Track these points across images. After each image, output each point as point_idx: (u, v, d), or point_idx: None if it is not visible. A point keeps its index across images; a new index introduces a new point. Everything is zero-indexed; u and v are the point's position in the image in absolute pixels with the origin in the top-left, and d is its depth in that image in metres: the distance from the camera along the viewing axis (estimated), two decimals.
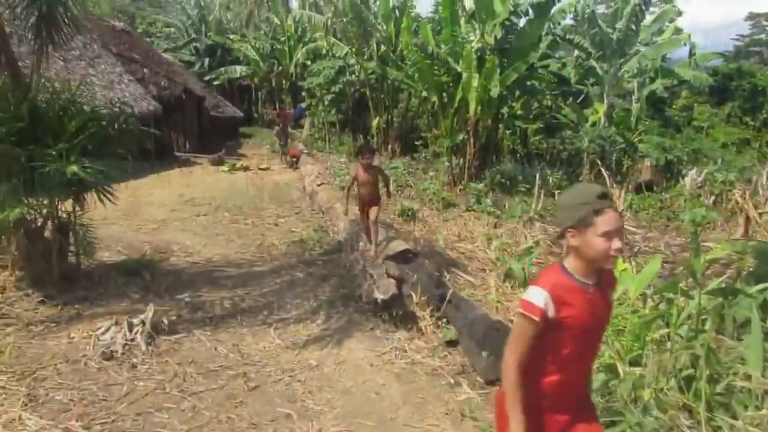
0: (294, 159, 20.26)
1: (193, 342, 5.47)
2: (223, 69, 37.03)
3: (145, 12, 52.53)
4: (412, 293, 6.34)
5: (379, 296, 5.93)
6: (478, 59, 14.58)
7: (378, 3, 22.99)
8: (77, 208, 6.49)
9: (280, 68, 36.12)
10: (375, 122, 24.22)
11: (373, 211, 7.48)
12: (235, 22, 45.89)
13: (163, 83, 22.18)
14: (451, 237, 9.85)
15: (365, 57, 23.06)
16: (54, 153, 5.74)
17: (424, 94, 17.79)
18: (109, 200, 6.61)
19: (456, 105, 15.39)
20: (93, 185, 6.21)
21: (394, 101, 25.03)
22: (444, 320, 5.99)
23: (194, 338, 5.53)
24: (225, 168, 18.95)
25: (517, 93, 17.35)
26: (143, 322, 5.36)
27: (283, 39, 35.75)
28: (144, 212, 10.89)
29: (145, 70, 22.05)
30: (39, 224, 6.24)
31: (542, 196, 12.73)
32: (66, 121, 6.02)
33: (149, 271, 7.22)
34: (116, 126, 6.71)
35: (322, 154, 23.11)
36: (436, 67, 15.39)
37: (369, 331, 5.96)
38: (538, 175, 13.39)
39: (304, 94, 34.76)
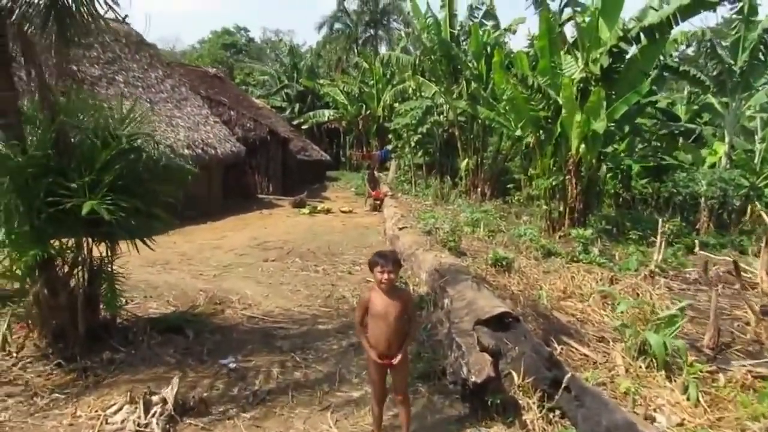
0: (378, 202, 19.24)
1: (227, 429, 4.21)
2: (311, 113, 37.30)
3: (244, 63, 54.71)
4: (513, 372, 4.79)
5: (470, 378, 4.45)
6: (581, 91, 13.00)
7: (468, 40, 21.96)
8: (110, 253, 5.50)
9: (368, 111, 35.89)
10: (464, 164, 22.88)
11: (397, 375, 4.03)
12: (324, 68, 46.68)
13: (248, 125, 22.07)
14: (555, 293, 8.17)
15: (454, 96, 21.96)
16: (76, 187, 4.80)
17: (519, 132, 16.37)
18: (146, 245, 5.59)
19: (554, 142, 13.80)
20: (126, 227, 5.20)
21: (484, 142, 23.64)
22: (559, 414, 4.40)
23: (228, 424, 4.27)
24: (306, 210, 18.20)
25: (626, 129, 15.43)
26: (164, 400, 4.18)
27: (371, 82, 35.64)
28: (210, 256, 10.03)
29: (232, 113, 22.06)
30: (65, 270, 5.30)
31: (662, 245, 10.78)
32: (97, 151, 5.07)
33: (194, 327, 6.12)
34: (157, 163, 5.65)
35: (407, 197, 21.99)
36: (533, 102, 13.92)
37: (455, 423, 4.48)
38: (660, 221, 11.42)
39: (390, 136, 34.36)
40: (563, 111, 13.06)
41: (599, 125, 12.78)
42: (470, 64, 21.33)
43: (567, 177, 13.60)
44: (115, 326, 5.76)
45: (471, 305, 5.72)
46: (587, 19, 13.47)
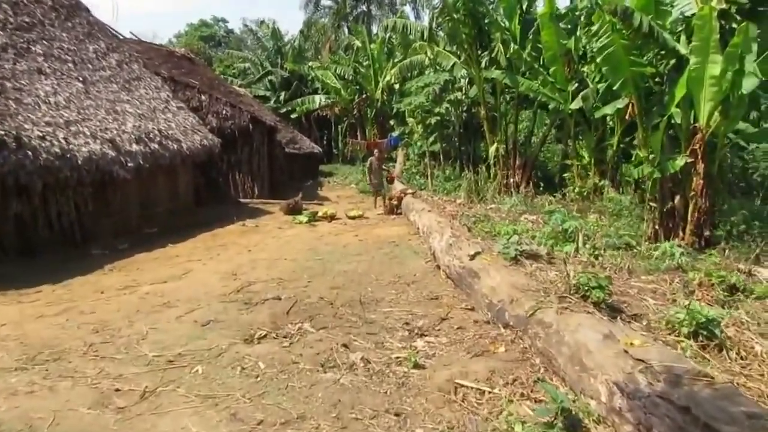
0: (395, 202, 14.83)
1: None
2: (299, 100, 32.70)
3: (223, 54, 49.87)
4: None
5: None
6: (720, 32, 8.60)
7: None
8: None
9: (365, 94, 31.34)
10: (492, 149, 18.48)
11: None
12: (312, 51, 41.95)
13: (225, 112, 17.54)
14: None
15: (482, 65, 17.50)
16: None
17: (599, 107, 12.00)
18: None
19: (669, 111, 9.42)
20: None
21: (516, 122, 19.24)
22: None
23: None
24: (303, 218, 13.73)
25: None
26: None
27: (366, 62, 31.09)
28: (148, 332, 5.53)
29: (203, 98, 17.50)
30: None
31: None
32: None
33: None
34: None
35: (425, 193, 17.58)
36: (634, 53, 9.52)
37: None
38: None
39: (392, 122, 29.88)
40: (692, 61, 8.66)
41: (749, 82, 8.43)
42: (503, 24, 16.92)
43: (691, 161, 9.20)
44: None
45: None
46: None
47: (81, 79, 12.13)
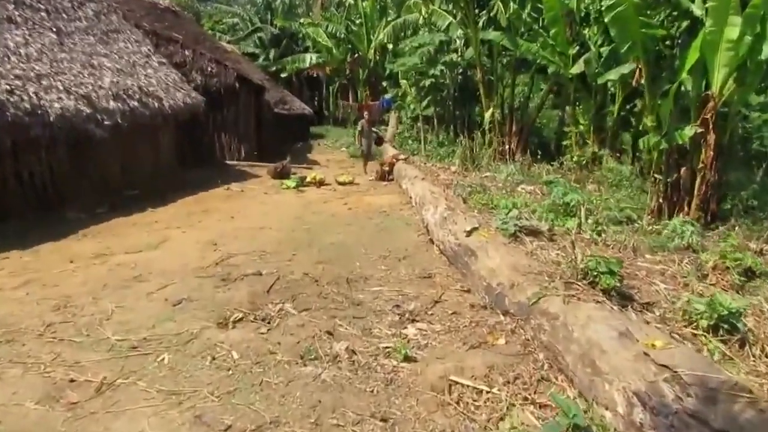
0: (387, 168, 14.29)
1: None
2: (290, 58, 31.62)
3: (212, 9, 47.99)
4: None
5: None
6: None
7: None
8: None
9: (357, 54, 30.34)
10: (488, 114, 17.87)
11: None
12: (303, 8, 40.52)
13: (210, 69, 16.70)
14: None
15: (479, 26, 16.74)
16: None
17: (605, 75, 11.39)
18: None
19: (680, 77, 8.86)
20: None
21: (513, 86, 18.56)
22: None
23: None
24: (291, 183, 13.17)
25: None
26: None
27: (359, 21, 29.98)
28: (114, 309, 5.04)
29: (187, 53, 16.64)
30: None
31: None
32: None
33: None
34: None
35: (418, 158, 17.01)
36: (646, 14, 8.89)
37: None
38: None
39: (385, 83, 28.99)
40: (707, 23, 8.06)
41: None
42: None
43: (701, 131, 8.69)
44: None
45: None
46: None
47: (54, 29, 11.32)
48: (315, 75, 35.01)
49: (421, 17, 19.15)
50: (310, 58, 30.98)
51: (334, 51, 30.45)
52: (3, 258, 7.00)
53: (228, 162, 16.66)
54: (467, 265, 5.82)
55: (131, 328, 4.54)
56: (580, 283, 4.59)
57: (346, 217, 9.64)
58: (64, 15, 12.10)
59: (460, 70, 19.93)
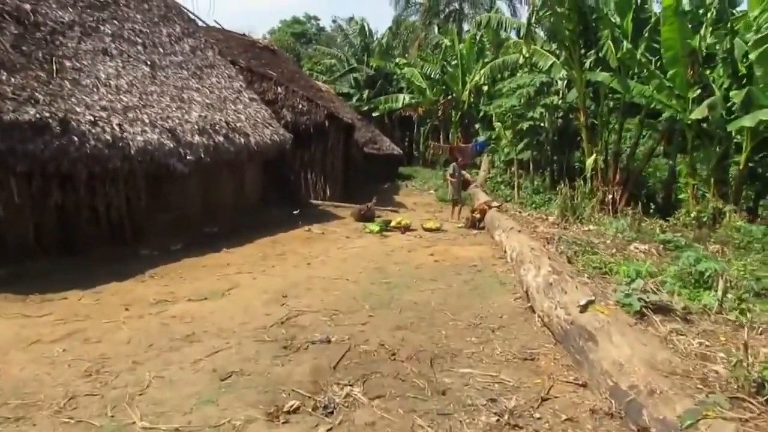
0: (477, 215, 13.20)
1: None
2: (383, 98, 31.47)
3: (313, 51, 49.41)
4: None
5: None
6: None
7: None
8: None
9: (450, 96, 29.68)
10: (590, 161, 16.41)
11: None
12: (399, 49, 40.63)
13: (301, 106, 16.45)
14: None
15: (585, 66, 15.51)
16: None
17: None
18: None
19: None
20: None
21: (620, 132, 17.03)
22: None
23: None
24: (374, 227, 12.37)
25: None
26: None
27: (454, 62, 29.41)
28: (146, 382, 4.27)
29: (280, 90, 16.50)
30: None
31: None
32: None
33: None
34: None
35: (511, 206, 15.79)
36: None
37: None
38: None
39: (477, 126, 28.07)
40: None
41: None
42: (614, 20, 14.88)
43: None
44: None
45: None
46: None
47: (149, 63, 11.30)
48: (408, 115, 34.66)
49: (522, 57, 18.16)
50: (403, 99, 30.69)
51: (428, 92, 29.99)
52: (61, 298, 6.55)
53: (312, 201, 16.17)
54: (583, 351, 4.61)
55: (164, 411, 3.71)
56: (754, 401, 3.30)
57: (432, 270, 8.62)
58: (160, 49, 12.14)
59: (561, 113, 18.65)
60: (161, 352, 4.77)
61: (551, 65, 16.97)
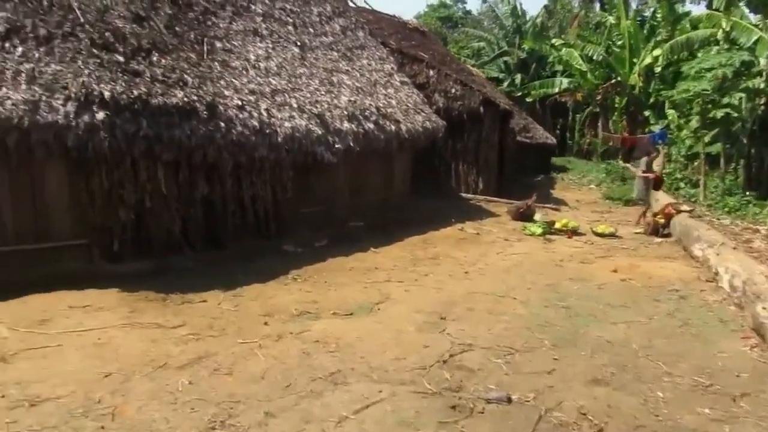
0: (662, 220, 11.11)
1: None
2: (537, 83, 29.22)
3: (460, 36, 47.80)
4: None
5: None
6: None
7: None
8: None
9: (614, 79, 26.72)
10: None
11: None
12: (555, 30, 37.72)
13: (454, 91, 15.15)
14: None
15: None
16: None
17: None
18: None
19: None
20: None
21: None
22: None
23: None
24: (536, 229, 10.83)
25: None
26: None
27: (620, 42, 26.36)
28: None
29: (431, 73, 15.33)
30: None
31: None
32: None
33: None
34: None
35: (699, 209, 13.32)
36: None
37: None
38: None
39: (646, 113, 24.95)
40: None
41: None
42: None
43: None
44: None
45: None
46: None
47: (299, 43, 10.64)
48: (563, 101, 32.03)
49: (721, 31, 15.29)
50: (560, 83, 28.25)
51: (589, 75, 27.24)
52: (200, 300, 5.95)
53: (463, 195, 14.87)
54: None
55: None
56: None
57: (620, 293, 6.96)
58: (310, 29, 11.46)
59: (764, 99, 15.55)
60: (299, 398, 3.78)
61: (757, 40, 14.06)
